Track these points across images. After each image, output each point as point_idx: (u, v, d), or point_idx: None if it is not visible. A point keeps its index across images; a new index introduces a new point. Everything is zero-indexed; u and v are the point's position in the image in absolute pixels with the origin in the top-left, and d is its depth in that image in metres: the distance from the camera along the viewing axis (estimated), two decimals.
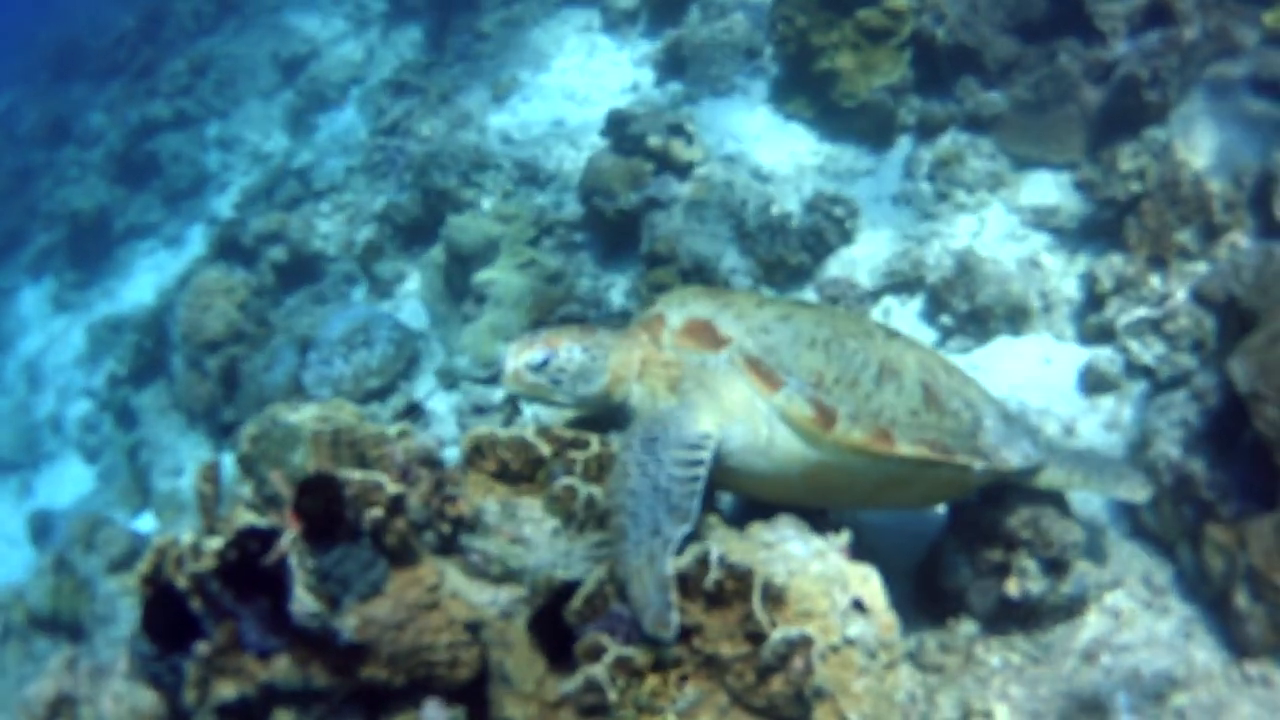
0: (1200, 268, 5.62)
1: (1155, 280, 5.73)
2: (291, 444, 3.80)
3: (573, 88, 9.10)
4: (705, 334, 3.70)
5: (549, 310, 6.47)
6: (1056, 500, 4.28)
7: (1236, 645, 4.18)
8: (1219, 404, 4.51)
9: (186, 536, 3.16)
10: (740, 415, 3.57)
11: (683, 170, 7.20)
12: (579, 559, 3.54)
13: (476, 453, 3.76)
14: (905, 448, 3.61)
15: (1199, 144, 5.89)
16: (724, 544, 3.20)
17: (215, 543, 3.18)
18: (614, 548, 3.11)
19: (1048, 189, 6.80)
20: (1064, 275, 6.34)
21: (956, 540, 4.34)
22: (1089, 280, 5.99)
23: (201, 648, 2.89)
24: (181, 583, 2.91)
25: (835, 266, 6.95)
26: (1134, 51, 6.05)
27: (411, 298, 7.69)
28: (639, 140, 7.06)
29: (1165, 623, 4.38)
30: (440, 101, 9.53)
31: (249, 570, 3.02)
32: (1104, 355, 5.70)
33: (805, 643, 2.79)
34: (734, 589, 2.86)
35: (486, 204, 7.65)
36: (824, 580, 3.07)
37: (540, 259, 7.03)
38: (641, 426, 3.48)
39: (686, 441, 3.40)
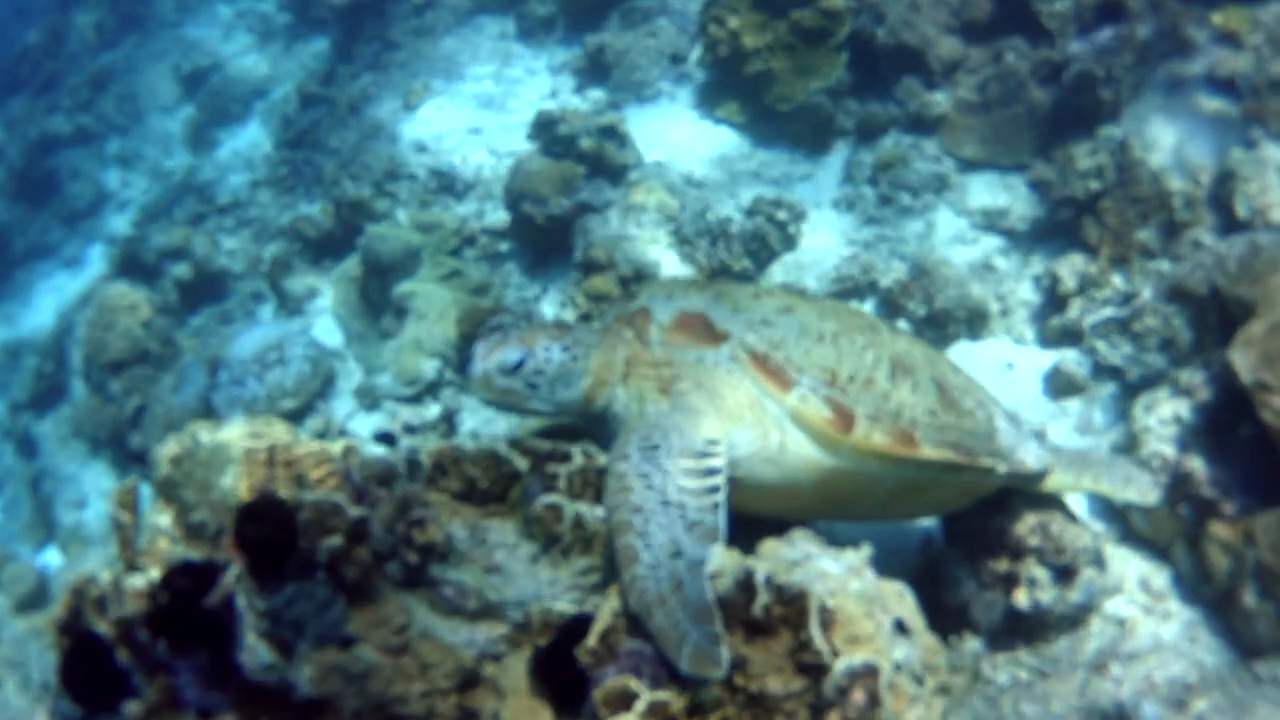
0: (1163, 266, 5.45)
1: (1118, 279, 5.54)
2: (219, 465, 3.26)
3: (489, 95, 8.73)
4: (700, 328, 3.28)
5: (477, 322, 5.97)
6: (1060, 505, 3.99)
7: (1244, 646, 3.96)
8: (1213, 398, 4.30)
9: (105, 574, 2.61)
10: (747, 419, 3.15)
11: (616, 174, 6.81)
12: (564, 589, 3.07)
13: (438, 470, 3.26)
14: (929, 451, 3.24)
15: (1154, 142, 5.76)
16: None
17: (138, 581, 2.64)
18: (623, 574, 2.65)
19: (996, 191, 6.60)
20: (1019, 278, 6.12)
21: (957, 552, 4.00)
22: (1049, 281, 5.78)
23: (132, 708, 2.35)
24: (105, 630, 2.36)
25: (780, 272, 6.62)
26: (1088, 49, 5.90)
27: (324, 314, 7.13)
28: (570, 142, 6.64)
29: (1168, 627, 4.13)
30: (349, 112, 9.09)
31: (184, 614, 2.49)
32: (1070, 357, 5.48)
33: (870, 673, 2.38)
34: (781, 615, 2.43)
35: (401, 214, 7.15)
36: (865, 600, 2.66)
37: (464, 269, 6.54)
38: (637, 434, 3.03)
39: (692, 448, 2.97)
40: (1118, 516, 4.52)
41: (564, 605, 2.72)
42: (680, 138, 7.72)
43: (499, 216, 6.97)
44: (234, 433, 3.41)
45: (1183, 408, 4.36)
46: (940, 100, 6.79)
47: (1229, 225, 5.36)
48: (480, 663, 2.89)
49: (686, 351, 3.26)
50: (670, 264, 6.35)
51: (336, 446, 3.24)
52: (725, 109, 7.72)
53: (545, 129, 6.75)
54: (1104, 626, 4.11)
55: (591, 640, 2.44)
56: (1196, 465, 4.15)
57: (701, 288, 3.47)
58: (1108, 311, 5.41)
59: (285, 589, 2.58)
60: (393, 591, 2.88)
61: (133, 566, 2.91)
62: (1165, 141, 5.77)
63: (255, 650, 2.38)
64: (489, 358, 3.25)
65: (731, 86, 7.61)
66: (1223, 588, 4.02)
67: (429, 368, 6.04)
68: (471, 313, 6.01)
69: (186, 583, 2.44)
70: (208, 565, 2.47)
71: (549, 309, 6.37)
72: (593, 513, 3.09)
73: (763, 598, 2.43)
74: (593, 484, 3.22)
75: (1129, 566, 4.36)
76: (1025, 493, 3.87)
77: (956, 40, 6.74)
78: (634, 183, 6.70)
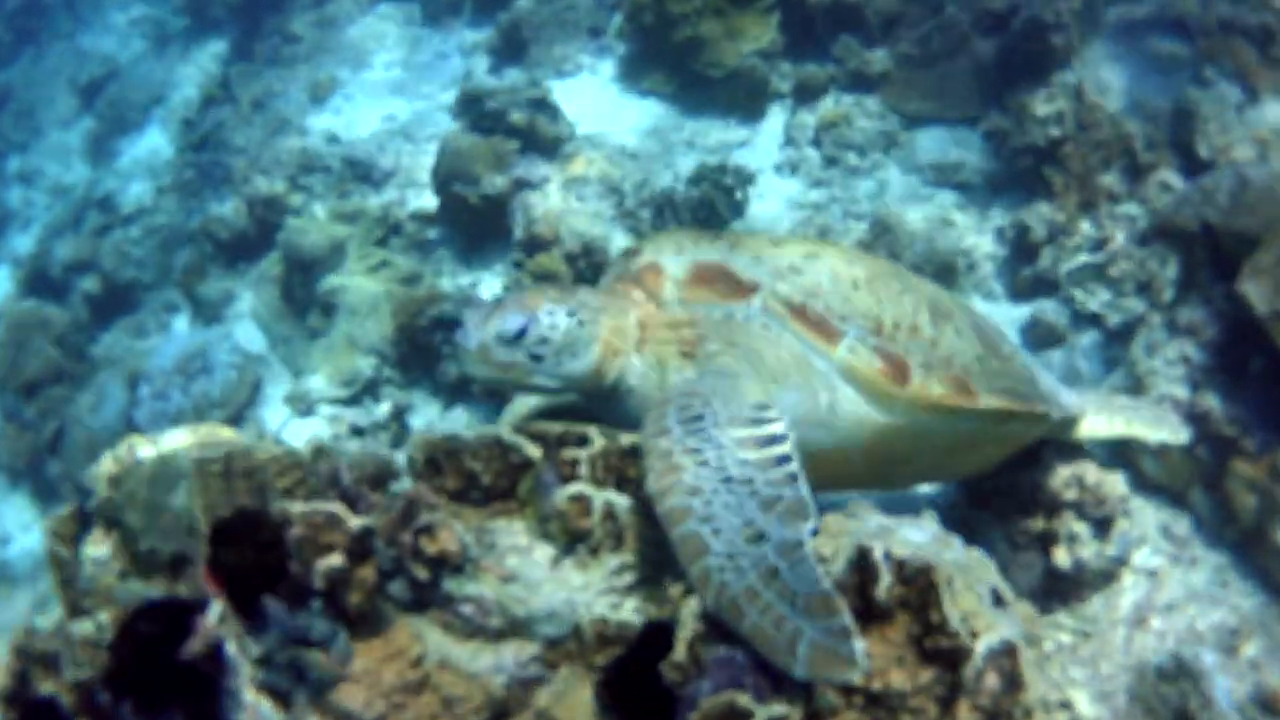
0: (1131, 209, 5.21)
1: (1086, 225, 5.29)
2: (168, 481, 2.67)
3: (399, 82, 8.20)
4: (723, 280, 2.84)
5: (415, 314, 5.41)
6: (1088, 454, 3.67)
7: (1276, 584, 3.72)
8: (1219, 335, 4.05)
9: (46, 622, 2.04)
10: (792, 378, 2.72)
11: (550, 148, 6.31)
12: (597, 593, 2.59)
13: (431, 467, 2.74)
14: (987, 399, 2.86)
15: (1108, 86, 5.53)
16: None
17: (87, 627, 2.07)
18: (690, 569, 2.18)
19: (946, 145, 6.31)
20: (980, 231, 5.83)
21: (986, 515, 3.65)
22: (1014, 232, 5.50)
23: None
24: (61, 695, 1.80)
25: None
26: None
27: (244, 319, 6.48)
28: (500, 117, 6.12)
29: (1198, 574, 3.87)
30: (254, 109, 8.47)
31: (154, 665, 1.94)
32: (1047, 307, 5.21)
33: (1009, 652, 1.97)
34: (900, 597, 2.01)
35: (318, 208, 6.54)
36: (962, 571, 2.26)
37: (393, 259, 5.96)
38: (673, 405, 2.57)
39: (742, 416, 2.52)
40: (1126, 464, 4.24)
41: (624, 613, 2.24)
42: (606, 112, 7.27)
43: (425, 202, 6.41)
44: (179, 443, 2.84)
45: (1188, 347, 4.10)
46: (881, 57, 6.48)
47: (1191, 165, 5.15)
48: (512, 690, 2.40)
49: (711, 308, 2.82)
50: (618, 237, 5.89)
51: (304, 448, 2.70)
52: (651, 79, 7.28)
53: (472, 105, 6.21)
54: (1136, 579, 3.82)
55: (679, 652, 1.97)
56: (1213, 404, 3.89)
57: (713, 238, 3.02)
58: (1082, 258, 5.15)
59: (276, 625, 2.06)
60: (400, 616, 2.38)
61: (77, 609, 2.34)
62: (1118, 85, 5.56)
63: (257, 709, 1.85)
64: (485, 326, 2.74)
65: (657, 55, 7.18)
66: (1250, 527, 3.77)
67: (365, 365, 5.47)
68: (407, 303, 5.44)
69: (153, 628, 1.89)
70: (178, 605, 1.93)
71: (488, 295, 5.83)
72: (624, 502, 2.62)
73: (885, 579, 2.00)
74: (616, 469, 2.74)
75: (1147, 515, 4.08)
76: (1057, 443, 3.54)
77: None
78: (572, 155, 6.22)
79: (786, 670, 1.91)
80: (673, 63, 7.08)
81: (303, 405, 5.50)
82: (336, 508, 2.11)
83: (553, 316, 2.76)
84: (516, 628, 2.48)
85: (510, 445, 2.69)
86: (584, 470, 2.68)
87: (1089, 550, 3.55)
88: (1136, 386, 4.24)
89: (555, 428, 2.81)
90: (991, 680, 1.98)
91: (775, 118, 7.00)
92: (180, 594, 1.98)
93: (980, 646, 1.96)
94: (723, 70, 6.84)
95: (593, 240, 5.66)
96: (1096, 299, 5.08)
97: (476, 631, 2.45)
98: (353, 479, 2.36)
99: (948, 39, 6.18)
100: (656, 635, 2.10)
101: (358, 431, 4.96)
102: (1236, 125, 4.89)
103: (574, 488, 2.59)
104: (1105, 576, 3.71)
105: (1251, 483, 3.71)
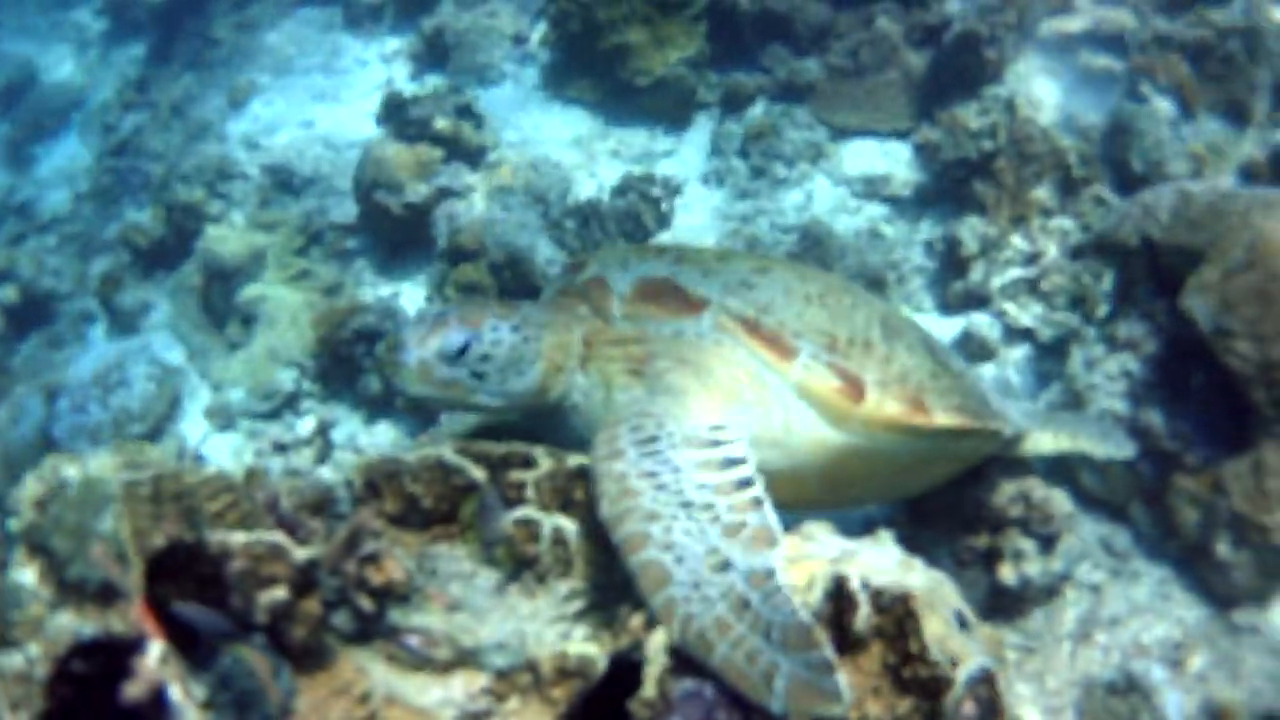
0: (1064, 223, 5.28)
1: (1018, 240, 5.36)
2: (95, 505, 2.51)
3: (319, 88, 8.01)
4: (671, 296, 2.77)
5: (336, 325, 5.25)
6: (1034, 470, 3.70)
7: (1218, 597, 3.76)
8: (1160, 350, 4.11)
9: None
10: (746, 397, 2.67)
11: (474, 156, 6.19)
12: (546, 621, 2.51)
13: (369, 490, 2.63)
14: (943, 417, 2.84)
15: (1041, 100, 5.62)
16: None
17: (15, 660, 1.93)
18: (651, 599, 2.11)
19: (873, 157, 6.35)
20: (909, 244, 5.87)
21: (930, 533, 3.65)
22: (945, 245, 5.55)
23: None
24: None
25: None
26: (970, 9, 5.69)
27: (161, 330, 6.24)
28: (425, 124, 5.98)
29: (1140, 588, 3.90)
30: (173, 114, 8.25)
31: (92, 707, 1.81)
32: (979, 321, 5.26)
33: (988, 679, 1.94)
34: (874, 626, 1.96)
35: (237, 216, 6.34)
36: (930, 595, 2.23)
37: (314, 269, 5.79)
38: (625, 425, 2.49)
39: (698, 437, 2.46)
40: (1065, 478, 4.29)
41: (578, 644, 2.16)
42: (531, 119, 7.19)
43: (345, 211, 6.24)
44: (105, 464, 2.68)
45: (1129, 362, 4.16)
46: (811, 67, 6.50)
47: (1125, 181, 5.26)
48: None
49: (660, 324, 2.75)
50: (544, 248, 5.80)
51: (237, 471, 2.57)
52: (576, 87, 7.21)
53: (396, 112, 6.07)
54: (1078, 594, 3.85)
55: (648, 689, 1.89)
56: (1154, 419, 3.94)
57: (658, 252, 2.96)
58: (1015, 272, 5.21)
59: (217, 664, 1.93)
60: (344, 648, 2.26)
61: (4, 640, 2.18)
62: (1051, 99, 5.65)
63: None
64: (426, 342, 2.64)
65: (582, 64, 7.12)
66: (1192, 541, 3.81)
67: (285, 378, 5.29)
68: (328, 315, 5.28)
69: (89, 667, 1.76)
70: (116, 644, 1.79)
71: (410, 306, 5.69)
72: (572, 527, 2.54)
73: (864, 609, 1.95)
74: (563, 491, 2.66)
75: (1086, 529, 4.11)
76: (1001, 459, 3.56)
77: (825, 6, 6.47)
78: (497, 163, 6.12)
79: (762, 705, 1.84)
80: (598, 70, 7.03)
81: (222, 419, 5.30)
82: (280, 538, 1.99)
83: (496, 333, 2.67)
84: (465, 658, 2.38)
85: (453, 467, 2.59)
86: (531, 493, 2.60)
87: (1035, 567, 3.56)
88: (1075, 401, 4.29)
89: (499, 448, 2.72)
90: (969, 708, 1.95)
91: (701, 127, 6.99)
92: (117, 631, 1.84)
93: (961, 675, 1.92)
94: (650, 78, 6.80)
95: (518, 251, 5.56)
96: (1029, 313, 5.14)
97: (423, 663, 2.35)
98: (292, 506, 2.24)
99: (878, 51, 6.22)
100: (619, 668, 2.03)
101: (281, 448, 4.78)
102: (1171, 141, 5.00)
103: (521, 511, 2.51)
104: (1049, 592, 3.74)
105: (1194, 497, 3.76)
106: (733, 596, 2.01)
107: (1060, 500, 3.59)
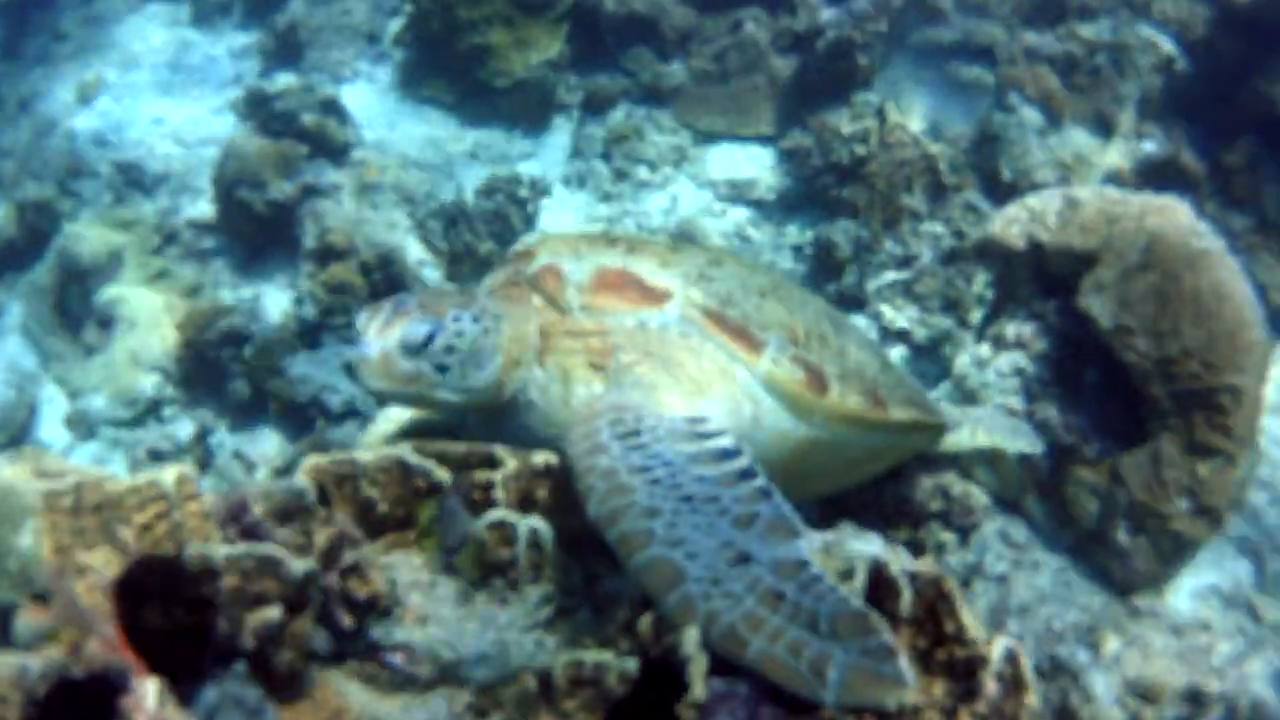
0: (936, 228, 5.49)
1: (890, 244, 5.53)
2: (11, 518, 2.22)
3: (168, 84, 7.57)
4: (631, 286, 2.67)
5: (202, 328, 4.89)
6: (952, 464, 3.79)
7: (1117, 583, 3.91)
8: (1051, 348, 4.28)
9: None
10: (716, 390, 2.59)
11: (338, 153, 5.91)
12: (521, 631, 2.36)
13: (321, 495, 2.41)
14: (897, 411, 2.85)
15: (909, 108, 5.81)
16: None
17: None
18: (664, 599, 1.99)
19: (737, 161, 6.42)
20: (777, 248, 5.97)
21: (851, 528, 3.68)
22: (815, 249, 5.66)
23: None
24: None
25: None
26: (844, 16, 5.83)
27: (12, 334, 5.66)
28: (290, 119, 5.66)
29: (1042, 577, 4.03)
30: (19, 110, 7.71)
31: None
32: (858, 323, 5.39)
33: (1014, 657, 1.94)
34: (911, 611, 1.93)
35: (89, 215, 5.84)
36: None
37: (173, 270, 5.38)
38: (604, 420, 2.37)
39: (682, 430, 2.37)
40: (960, 474, 4.42)
41: (595, 653, 2.02)
42: (384, 119, 6.93)
43: (200, 209, 5.84)
44: (13, 473, 2.37)
45: (1020, 360, 4.32)
46: (676, 71, 6.53)
47: (993, 188, 5.51)
48: None
49: (620, 316, 2.64)
50: (414, 248, 5.59)
51: (167, 477, 2.30)
52: (432, 87, 7.00)
53: (259, 106, 5.73)
54: (986, 585, 3.94)
55: (698, 689, 1.78)
56: (1051, 414, 4.10)
57: (610, 241, 2.86)
58: (890, 275, 5.38)
59: (203, 699, 1.71)
60: (321, 672, 2.05)
61: None
62: (919, 108, 5.86)
63: None
64: (386, 332, 2.44)
65: (439, 64, 6.92)
66: (1090, 529, 3.97)
67: (148, 384, 4.89)
68: (193, 316, 4.93)
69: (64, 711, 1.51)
70: (96, 679, 1.55)
71: (273, 310, 5.35)
72: (548, 529, 2.41)
73: (906, 594, 1.91)
74: (524, 491, 2.53)
75: (985, 522, 4.27)
76: (921, 455, 3.63)
77: (690, 9, 6.51)
78: (362, 162, 5.86)
79: (813, 698, 1.76)
80: (456, 71, 6.84)
81: (84, 428, 4.84)
82: (273, 550, 1.78)
83: (459, 323, 2.50)
84: (445, 675, 2.21)
85: (416, 469, 2.40)
86: (500, 494, 2.45)
87: (955, 559, 3.66)
88: (966, 400, 4.44)
89: (458, 447, 2.54)
90: (992, 686, 1.95)
91: (560, 130, 6.91)
92: (95, 665, 1.58)
93: (995, 652, 1.92)
94: (509, 80, 6.67)
95: (390, 251, 5.33)
96: (904, 315, 5.31)
97: (404, 683, 2.16)
98: (264, 512, 2.01)
99: (744, 56, 6.30)
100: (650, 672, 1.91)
101: (157, 456, 4.39)
102: (1039, 150, 5.28)
103: (496, 514, 2.34)
104: (964, 584, 3.85)
105: (1093, 487, 3.92)
106: (761, 590, 1.92)
107: (977, 494, 3.69)
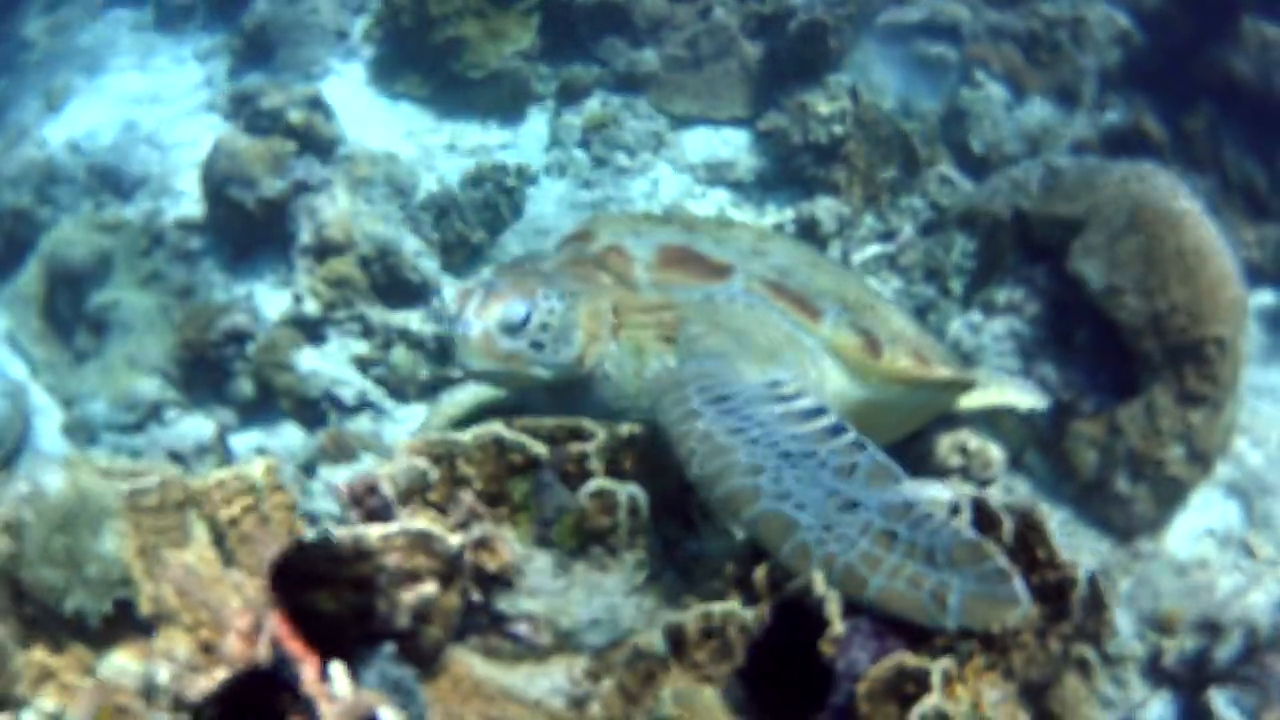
0: (914, 202, 5.65)
1: (870, 219, 5.68)
2: (90, 523, 2.21)
3: (137, 90, 7.44)
4: (695, 263, 2.76)
5: (204, 327, 4.83)
6: (965, 421, 3.94)
7: (1119, 530, 4.09)
8: (1043, 311, 4.46)
9: None
10: (785, 356, 2.69)
11: (325, 149, 5.87)
12: (624, 595, 2.44)
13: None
14: (940, 369, 2.99)
15: (880, 87, 5.96)
16: None
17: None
18: (780, 547, 2.08)
19: (713, 145, 6.50)
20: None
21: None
22: (802, 226, 5.76)
23: None
24: None
25: (515, 242, 6.09)
26: (813, 0, 5.97)
27: None
28: (277, 116, 5.62)
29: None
30: None
31: None
32: None
33: (1095, 577, 2.11)
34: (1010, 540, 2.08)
35: (71, 221, 5.72)
36: None
37: (163, 271, 5.30)
38: (692, 388, 2.44)
39: (765, 394, 2.47)
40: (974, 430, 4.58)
41: (723, 605, 2.10)
42: (359, 115, 6.85)
43: (184, 210, 5.76)
44: (84, 477, 2.36)
45: (1014, 323, 4.49)
46: (649, 58, 6.60)
47: (965, 161, 5.69)
48: (573, 711, 2.20)
49: (688, 290, 2.73)
50: (410, 241, 5.58)
51: (255, 469, 2.33)
52: (405, 82, 6.96)
53: (245, 104, 5.68)
54: None
55: (836, 627, 1.88)
56: (1048, 372, 4.27)
57: (664, 220, 2.95)
58: (874, 249, 5.52)
59: (364, 681, 1.75)
60: (453, 647, 2.11)
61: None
62: (889, 86, 6.02)
63: None
64: (485, 314, 2.48)
65: (412, 58, 6.89)
66: (1090, 480, 4.14)
67: (148, 387, 4.81)
68: (194, 316, 4.86)
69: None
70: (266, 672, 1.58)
71: (270, 310, 5.31)
72: (643, 496, 2.48)
73: (1007, 524, 2.06)
74: (624, 459, 2.60)
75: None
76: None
77: None
78: (349, 157, 5.84)
79: (934, 624, 1.87)
80: (429, 64, 6.82)
81: (84, 435, 4.75)
82: (428, 526, 1.83)
83: (549, 300, 2.55)
84: (562, 642, 2.28)
85: (512, 444, 2.46)
86: (594, 464, 2.51)
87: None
88: (964, 363, 4.61)
89: (546, 422, 2.61)
90: (1083, 606, 2.10)
91: (536, 119, 6.92)
92: (264, 661, 1.60)
93: (1082, 573, 2.07)
94: (484, 71, 6.67)
95: (387, 243, 5.32)
96: (890, 287, 5.46)
97: (525, 653, 2.22)
98: (395, 494, 2.05)
99: (716, 41, 6.39)
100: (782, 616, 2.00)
101: (176, 457, 4.33)
102: (1007, 123, 5.47)
103: (597, 483, 2.42)
104: None
105: (1092, 440, 4.10)
106: (874, 531, 2.03)
107: (994, 448, 3.84)
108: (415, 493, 2.17)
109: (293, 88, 5.93)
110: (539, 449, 2.46)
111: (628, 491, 2.42)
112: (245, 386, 4.83)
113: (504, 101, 6.80)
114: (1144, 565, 3.96)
